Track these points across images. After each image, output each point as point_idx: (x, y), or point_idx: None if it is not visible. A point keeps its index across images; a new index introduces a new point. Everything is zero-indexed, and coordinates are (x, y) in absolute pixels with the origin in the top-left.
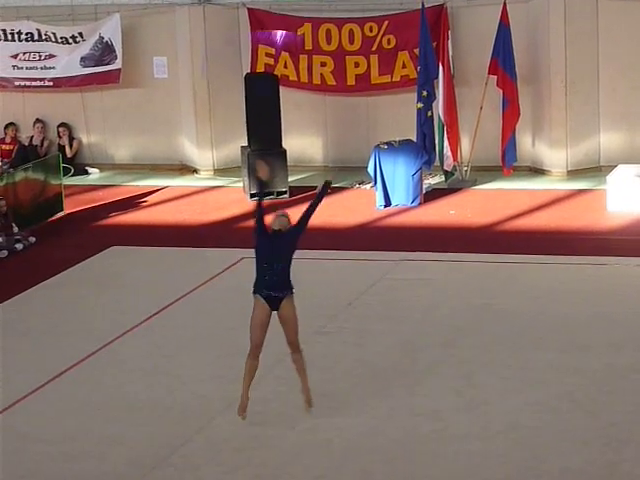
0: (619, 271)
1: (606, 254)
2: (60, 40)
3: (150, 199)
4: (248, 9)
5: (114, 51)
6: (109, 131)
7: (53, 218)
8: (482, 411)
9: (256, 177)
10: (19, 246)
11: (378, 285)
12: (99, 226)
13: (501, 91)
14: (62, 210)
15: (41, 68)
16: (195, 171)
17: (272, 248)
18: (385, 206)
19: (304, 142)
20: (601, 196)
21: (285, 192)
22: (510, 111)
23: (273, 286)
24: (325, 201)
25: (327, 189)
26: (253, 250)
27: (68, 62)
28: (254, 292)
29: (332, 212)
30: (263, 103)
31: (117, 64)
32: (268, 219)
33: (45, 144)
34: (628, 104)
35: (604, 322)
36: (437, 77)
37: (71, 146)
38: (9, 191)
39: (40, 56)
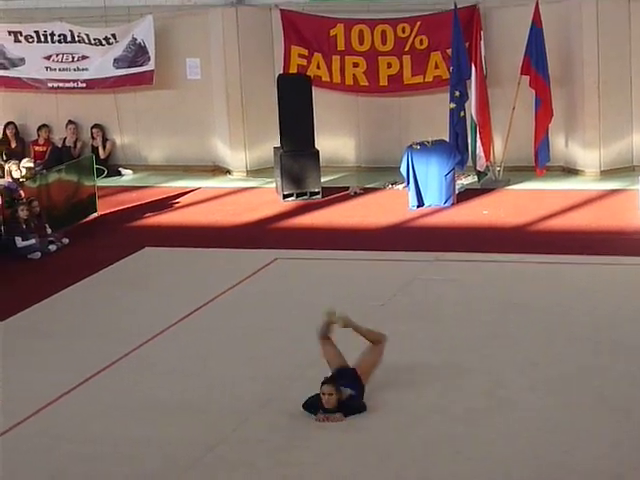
0: None
1: (639, 254)
2: (93, 41)
3: (183, 200)
4: (281, 10)
5: (147, 52)
6: (142, 132)
7: (86, 219)
8: (511, 411)
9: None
10: (52, 247)
11: (411, 285)
12: (132, 227)
13: (534, 91)
14: (95, 211)
15: (74, 69)
16: (228, 172)
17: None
18: (418, 206)
19: (337, 143)
20: (634, 196)
21: (318, 193)
22: (543, 111)
23: None
24: (358, 201)
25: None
26: (288, 252)
27: (101, 63)
28: None
29: (365, 212)
30: (296, 104)
31: (150, 65)
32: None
33: (78, 145)
34: None
35: (636, 322)
36: (470, 77)
37: (104, 147)
38: (42, 192)
39: (73, 57)
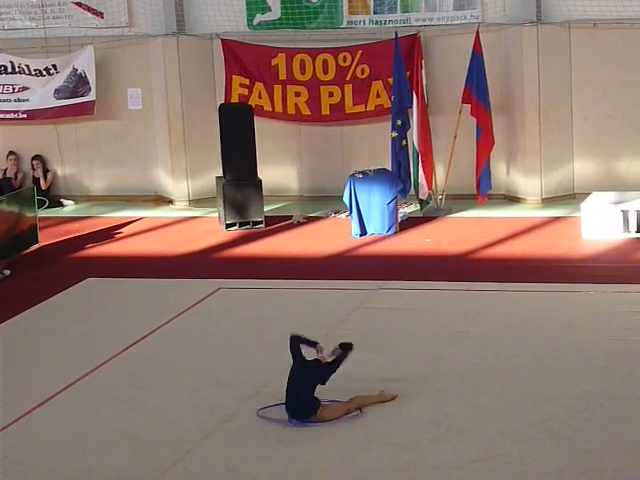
0: (594, 298)
1: (581, 281)
2: (34, 72)
3: (125, 230)
4: (222, 40)
5: (88, 83)
6: (84, 163)
7: (28, 250)
8: (458, 440)
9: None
10: None
11: (354, 314)
12: (75, 258)
13: (475, 120)
14: (37, 242)
15: (15, 100)
16: (170, 202)
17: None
18: (361, 235)
19: (279, 172)
20: (576, 223)
21: (261, 222)
22: (484, 140)
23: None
24: (301, 230)
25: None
26: (231, 281)
27: (42, 94)
28: None
29: (308, 241)
30: (238, 133)
31: (91, 96)
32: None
33: (19, 176)
34: (601, 132)
35: (579, 349)
36: (411, 106)
37: (45, 178)
38: None
39: (14, 88)
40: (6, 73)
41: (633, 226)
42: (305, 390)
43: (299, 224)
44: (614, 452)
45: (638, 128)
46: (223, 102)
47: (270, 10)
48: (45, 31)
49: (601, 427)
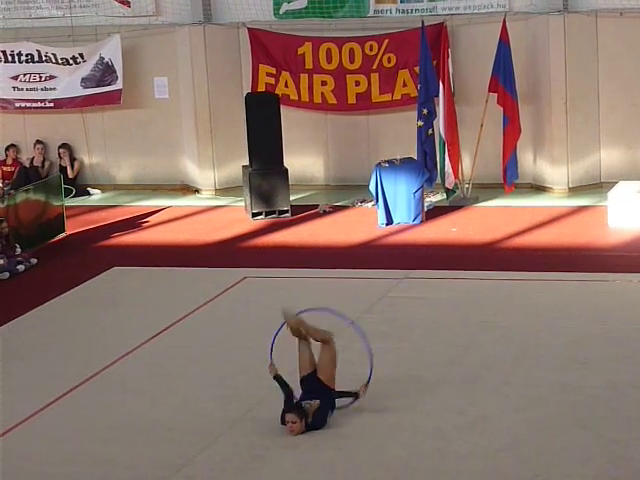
0: (620, 287)
1: (607, 270)
2: (60, 61)
3: (152, 219)
4: (248, 29)
5: (115, 72)
6: (110, 152)
7: (55, 239)
8: (484, 429)
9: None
10: (21, 268)
11: (380, 303)
12: (101, 247)
13: (502, 109)
14: (64, 231)
15: (42, 89)
16: (197, 191)
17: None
18: (387, 224)
19: (305, 161)
20: (602, 212)
21: (287, 211)
22: (511, 129)
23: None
24: (327, 219)
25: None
26: (257, 270)
27: (69, 83)
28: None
29: (334, 231)
30: (264, 122)
31: (118, 85)
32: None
33: (46, 165)
34: (628, 121)
35: (605, 339)
36: (437, 95)
37: (72, 167)
38: (10, 213)
39: (41, 77)
40: (33, 62)
41: None
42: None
43: (325, 213)
44: (639, 441)
45: None
46: (249, 91)
47: None
48: (72, 20)
49: (627, 416)
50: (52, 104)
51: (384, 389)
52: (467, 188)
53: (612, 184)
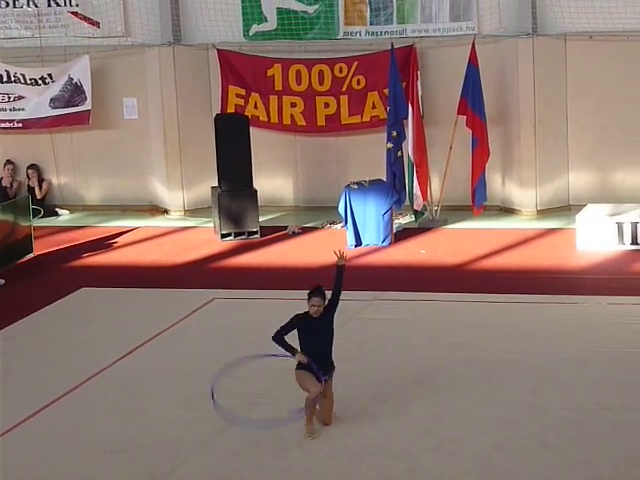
0: (589, 310)
1: (576, 293)
2: (29, 81)
3: (120, 240)
4: (218, 50)
5: (84, 92)
6: (79, 172)
7: (23, 260)
8: (452, 451)
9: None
10: None
11: (349, 325)
12: (69, 267)
13: (470, 131)
14: (32, 252)
15: (10, 110)
16: (166, 212)
17: (313, 334)
18: (356, 246)
19: (275, 182)
20: (571, 235)
21: (256, 232)
22: (480, 151)
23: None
24: (296, 241)
25: (342, 270)
26: (225, 291)
27: (37, 103)
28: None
29: (303, 252)
30: (233, 144)
31: (87, 105)
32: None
33: (15, 185)
34: (597, 143)
35: (574, 361)
36: (407, 117)
37: (41, 187)
38: None
39: (9, 97)
40: (2, 82)
41: (628, 238)
42: (330, 342)
43: (294, 234)
44: (609, 463)
45: (633, 140)
46: (219, 112)
47: (266, 21)
48: (41, 40)
49: (595, 438)
50: (21, 124)
51: (353, 411)
52: (436, 210)
53: (580, 207)
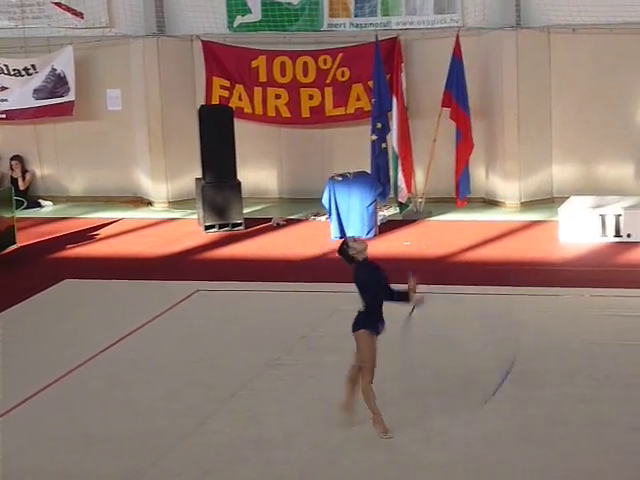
0: (571, 302)
1: (558, 285)
2: (12, 72)
3: (104, 232)
4: (202, 41)
5: (67, 83)
6: (63, 164)
7: (6, 251)
8: (437, 442)
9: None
10: None
11: (333, 317)
12: (52, 259)
13: (454, 123)
14: (15, 243)
15: None
16: (149, 203)
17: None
18: (340, 237)
19: (259, 174)
20: (553, 227)
21: (240, 224)
22: (463, 143)
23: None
24: (280, 233)
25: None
26: (209, 283)
27: (21, 94)
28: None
29: (288, 244)
30: (217, 135)
31: (70, 96)
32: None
33: None
34: (580, 136)
35: (557, 353)
36: (391, 109)
37: (24, 179)
38: None
39: None
40: None
41: (611, 230)
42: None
43: (279, 226)
44: (590, 454)
45: (616, 133)
46: (203, 104)
47: (250, 12)
48: (24, 31)
49: (579, 430)
50: (4, 115)
51: (336, 403)
52: (420, 202)
53: (564, 199)
